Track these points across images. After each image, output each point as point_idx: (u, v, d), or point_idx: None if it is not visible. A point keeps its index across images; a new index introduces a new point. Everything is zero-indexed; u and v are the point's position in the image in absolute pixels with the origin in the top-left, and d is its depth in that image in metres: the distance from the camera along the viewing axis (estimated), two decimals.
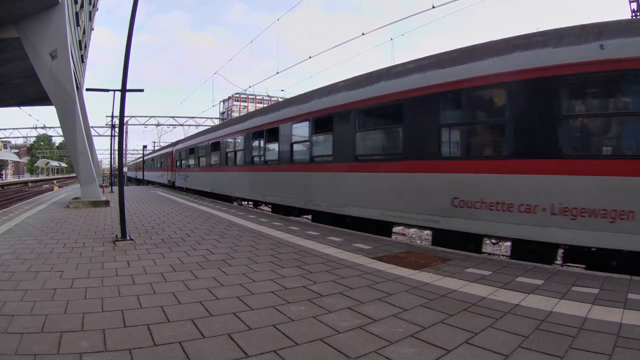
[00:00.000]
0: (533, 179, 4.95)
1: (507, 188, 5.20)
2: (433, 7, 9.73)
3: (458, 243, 5.87)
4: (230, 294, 3.33)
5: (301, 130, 9.24)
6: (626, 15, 13.38)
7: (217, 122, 45.57)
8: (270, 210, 11.46)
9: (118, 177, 7.06)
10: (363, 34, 11.82)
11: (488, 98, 5.81)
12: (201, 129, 37.06)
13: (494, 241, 6.77)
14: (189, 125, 45.18)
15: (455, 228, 5.78)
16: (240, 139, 12.99)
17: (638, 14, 12.96)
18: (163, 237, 6.11)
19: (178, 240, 5.85)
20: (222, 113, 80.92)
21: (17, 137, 51.09)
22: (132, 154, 65.96)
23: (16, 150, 77.48)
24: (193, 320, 2.74)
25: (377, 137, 7.68)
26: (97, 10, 23.11)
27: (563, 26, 5.13)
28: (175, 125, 45.31)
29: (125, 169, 48.69)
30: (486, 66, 5.51)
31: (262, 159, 11.11)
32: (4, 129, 47.04)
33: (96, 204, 11.11)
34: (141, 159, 31.48)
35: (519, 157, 5.12)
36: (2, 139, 52.80)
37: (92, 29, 22.55)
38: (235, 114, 73.14)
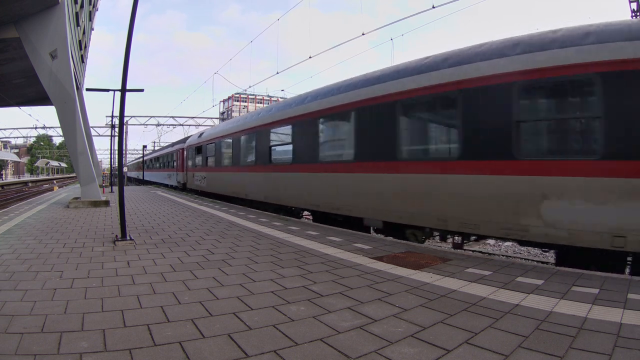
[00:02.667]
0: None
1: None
2: (433, 7, 9.71)
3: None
4: (230, 294, 3.33)
5: (162, 158, 29.34)
6: (626, 15, 13.34)
7: (217, 122, 45.56)
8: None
9: (118, 177, 7.06)
10: (363, 34, 11.80)
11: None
12: (201, 128, 37.85)
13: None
14: (189, 125, 45.17)
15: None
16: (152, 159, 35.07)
17: (638, 14, 12.95)
18: (163, 237, 6.11)
19: (178, 240, 5.85)
20: (222, 113, 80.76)
21: (17, 137, 51.11)
22: (132, 154, 65.97)
23: (16, 150, 77.43)
24: (193, 320, 2.74)
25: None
26: (97, 10, 23.10)
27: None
28: (175, 125, 45.29)
29: (125, 169, 49.18)
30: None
31: (154, 166, 33.19)
32: (4, 129, 47.07)
33: (96, 204, 11.11)
34: (141, 161, 44.57)
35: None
36: (2, 139, 52.76)
37: (92, 29, 22.53)
38: (235, 114, 73.13)
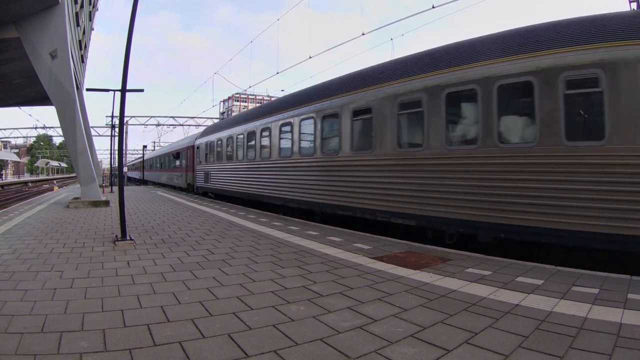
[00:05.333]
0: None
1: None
2: (433, 7, 9.72)
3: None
4: (230, 294, 3.33)
5: (135, 165, 54.22)
6: None
7: (217, 122, 45.63)
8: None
9: (118, 177, 7.06)
10: (363, 34, 11.82)
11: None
12: (201, 129, 38.21)
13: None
14: (189, 125, 45.15)
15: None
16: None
17: None
18: (163, 237, 6.11)
19: (178, 240, 5.86)
20: (222, 113, 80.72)
21: (17, 137, 51.05)
22: (132, 154, 66.12)
23: (16, 150, 77.43)
24: (193, 320, 2.74)
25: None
26: (97, 10, 23.11)
27: None
28: (175, 125, 45.27)
29: (125, 169, 50.03)
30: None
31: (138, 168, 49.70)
32: (4, 129, 47.05)
33: (96, 204, 11.11)
34: (137, 162, 52.74)
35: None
36: (2, 139, 52.75)
37: (92, 29, 22.53)
38: (235, 114, 73.19)
